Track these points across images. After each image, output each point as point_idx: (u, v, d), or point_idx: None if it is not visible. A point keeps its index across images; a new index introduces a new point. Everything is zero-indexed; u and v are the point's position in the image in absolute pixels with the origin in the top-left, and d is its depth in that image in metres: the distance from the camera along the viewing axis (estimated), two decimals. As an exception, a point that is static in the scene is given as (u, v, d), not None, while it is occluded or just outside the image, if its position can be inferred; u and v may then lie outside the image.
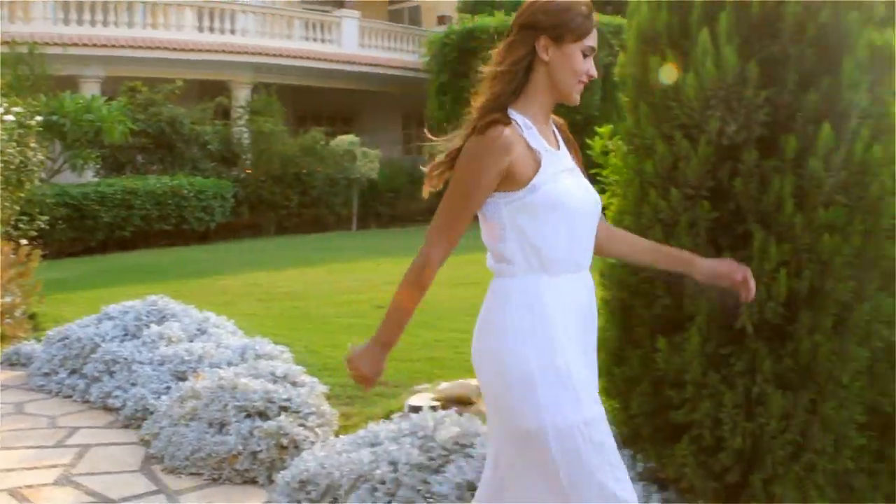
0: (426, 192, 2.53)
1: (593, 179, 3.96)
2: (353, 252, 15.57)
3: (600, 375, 2.89)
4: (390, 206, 22.04)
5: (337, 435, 4.72)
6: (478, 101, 2.41)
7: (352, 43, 24.03)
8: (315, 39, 23.42)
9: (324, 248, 16.39)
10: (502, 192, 2.34)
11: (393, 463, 3.81)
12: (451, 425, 4.08)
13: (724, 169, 3.09)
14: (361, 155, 20.48)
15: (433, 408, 4.74)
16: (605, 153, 3.83)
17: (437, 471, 3.74)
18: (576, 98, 2.44)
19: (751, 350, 3.04)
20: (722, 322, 3.06)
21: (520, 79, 2.40)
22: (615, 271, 3.42)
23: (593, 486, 2.30)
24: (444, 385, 5.53)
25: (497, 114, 2.34)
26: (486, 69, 2.42)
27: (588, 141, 3.76)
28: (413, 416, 4.31)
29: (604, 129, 3.87)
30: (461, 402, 5.29)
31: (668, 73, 3.11)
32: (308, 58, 22.61)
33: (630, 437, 3.50)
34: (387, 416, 4.83)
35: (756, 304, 2.96)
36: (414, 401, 5.25)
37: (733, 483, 3.16)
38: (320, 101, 24.78)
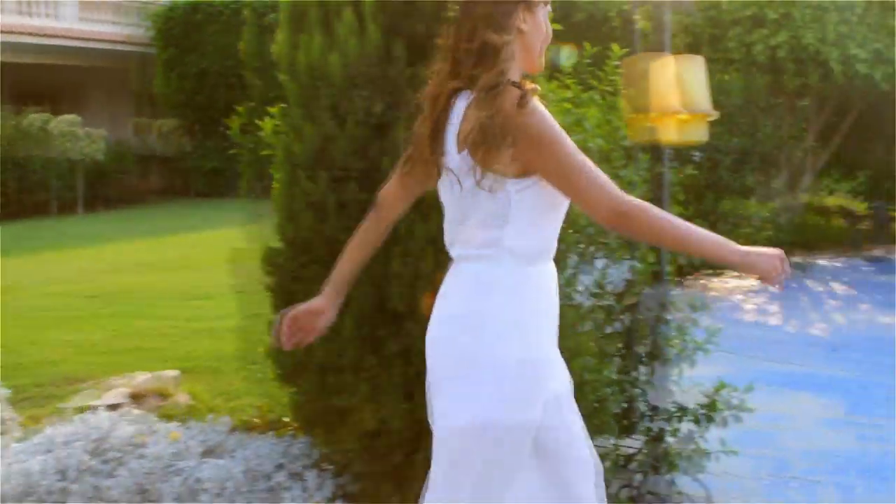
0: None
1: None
2: (74, 239, 14.69)
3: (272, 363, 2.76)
4: (119, 187, 21.02)
5: (19, 442, 4.37)
6: (473, 75, 2.19)
7: (71, 16, 22.58)
8: (29, 14, 21.83)
9: (40, 237, 15.37)
10: (513, 178, 2.17)
11: (62, 471, 3.58)
12: (126, 425, 3.88)
13: (374, 148, 3.05)
14: (84, 136, 19.36)
15: (114, 406, 4.51)
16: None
17: (109, 475, 3.55)
18: (542, 64, 2.34)
19: (406, 331, 3.03)
20: (377, 306, 3.04)
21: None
22: (277, 257, 3.33)
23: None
24: (140, 378, 5.28)
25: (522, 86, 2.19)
26: (462, 42, 2.21)
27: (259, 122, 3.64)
28: (90, 416, 4.07)
29: (274, 109, 3.74)
30: (160, 395, 5.10)
31: (312, 52, 3.04)
32: (21, 33, 21.03)
33: (304, 423, 3.44)
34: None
35: (407, 285, 2.95)
36: (107, 397, 4.99)
37: (399, 464, 3.15)
38: (41, 80, 23.14)
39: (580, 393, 2.56)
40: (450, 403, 2.25)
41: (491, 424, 2.18)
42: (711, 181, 10.16)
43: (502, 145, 2.11)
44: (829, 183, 14.48)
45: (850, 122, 12.44)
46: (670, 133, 3.66)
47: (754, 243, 2.21)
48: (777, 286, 2.17)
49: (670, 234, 2.16)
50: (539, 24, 2.28)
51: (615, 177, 2.60)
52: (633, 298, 3.70)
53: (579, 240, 3.53)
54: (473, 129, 2.15)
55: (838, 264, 11.79)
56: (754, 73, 10.67)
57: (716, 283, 9.73)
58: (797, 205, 12.36)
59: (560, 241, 2.36)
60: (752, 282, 7.99)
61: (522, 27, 2.24)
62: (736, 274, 8.85)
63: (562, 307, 2.39)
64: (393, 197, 2.48)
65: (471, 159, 2.17)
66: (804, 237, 12.05)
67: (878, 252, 12.51)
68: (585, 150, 2.24)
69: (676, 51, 4.07)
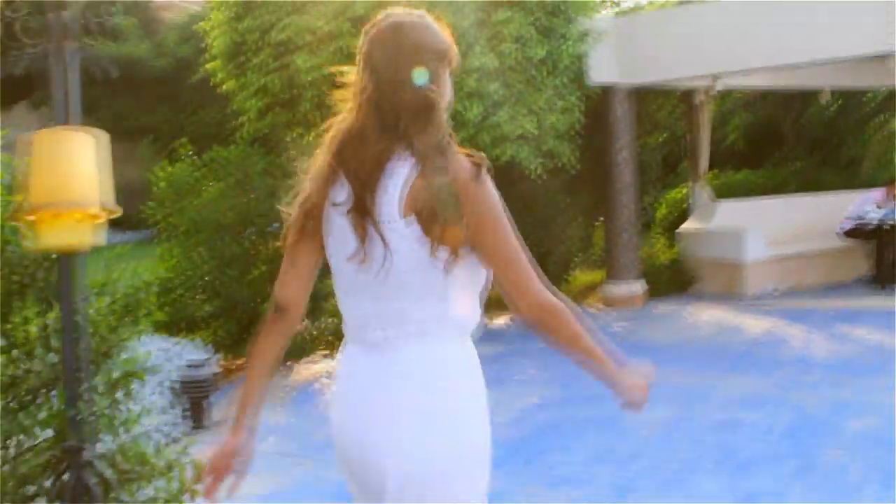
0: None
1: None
2: None
3: None
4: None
5: None
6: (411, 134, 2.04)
7: None
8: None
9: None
10: (468, 248, 2.07)
11: None
12: None
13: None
14: None
15: None
16: None
17: None
18: None
19: None
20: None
21: None
22: None
23: None
24: None
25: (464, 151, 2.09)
26: (428, 94, 2.07)
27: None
28: None
29: None
30: None
31: None
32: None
33: None
34: None
35: None
36: None
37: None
38: None
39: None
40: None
41: None
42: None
43: (459, 218, 2.00)
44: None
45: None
46: (54, 237, 2.99)
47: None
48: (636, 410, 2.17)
49: (582, 343, 2.11)
50: (447, 84, 2.17)
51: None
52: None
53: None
54: (428, 199, 2.00)
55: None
56: None
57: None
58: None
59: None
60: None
61: (445, 84, 2.15)
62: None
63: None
64: (295, 290, 2.21)
65: (419, 229, 2.02)
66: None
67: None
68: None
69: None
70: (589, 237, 12.56)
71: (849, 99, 14.54)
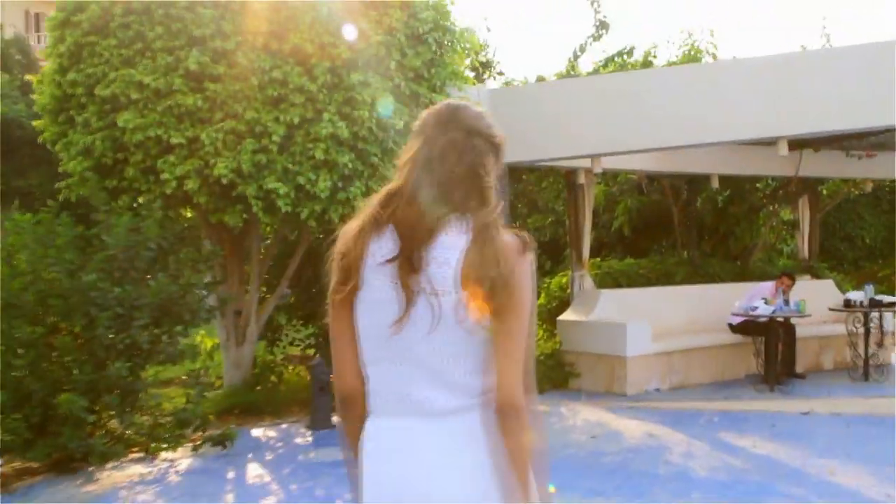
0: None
1: None
2: None
3: None
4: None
5: None
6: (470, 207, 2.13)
7: None
8: None
9: None
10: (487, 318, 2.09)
11: None
12: None
13: None
14: None
15: None
16: None
17: None
18: None
19: None
20: None
21: None
22: None
23: None
24: None
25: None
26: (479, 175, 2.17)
27: None
28: None
29: None
30: None
31: None
32: None
33: None
34: None
35: None
36: None
37: None
38: None
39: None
40: None
41: None
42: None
43: (509, 294, 2.05)
44: (291, 332, 11.40)
45: (296, 267, 10.00)
46: None
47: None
48: None
49: (528, 450, 2.11)
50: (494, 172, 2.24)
51: None
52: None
53: None
54: (480, 272, 2.05)
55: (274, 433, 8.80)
56: (175, 207, 8.79)
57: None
58: (244, 362, 9.76)
59: None
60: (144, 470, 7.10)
61: (492, 170, 2.21)
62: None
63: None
64: (355, 375, 2.20)
65: (465, 300, 2.05)
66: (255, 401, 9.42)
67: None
68: None
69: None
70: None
71: (739, 186, 14.00)
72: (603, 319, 10.73)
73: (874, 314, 11.10)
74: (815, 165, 12.74)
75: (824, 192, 15.19)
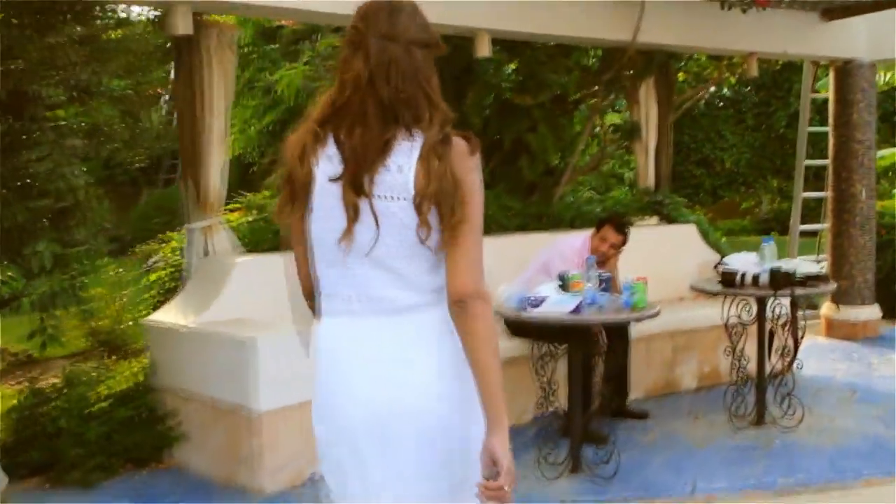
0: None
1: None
2: None
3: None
4: None
5: None
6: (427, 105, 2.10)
7: None
8: None
9: None
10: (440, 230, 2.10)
11: None
12: None
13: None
14: None
15: None
16: None
17: None
18: None
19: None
20: None
21: None
22: None
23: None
24: None
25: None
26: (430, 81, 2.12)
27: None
28: None
29: None
30: None
31: None
32: None
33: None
34: None
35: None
36: None
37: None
38: None
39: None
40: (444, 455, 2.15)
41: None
42: None
43: (461, 204, 2.06)
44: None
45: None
46: None
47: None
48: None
49: (495, 342, 2.09)
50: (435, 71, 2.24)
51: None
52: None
53: None
54: (433, 184, 2.03)
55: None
56: None
57: None
58: None
59: None
60: None
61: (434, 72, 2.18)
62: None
63: None
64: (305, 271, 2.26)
65: (415, 213, 2.04)
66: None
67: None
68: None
69: None
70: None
71: (536, 61, 8.06)
72: (224, 324, 4.97)
73: (780, 300, 5.66)
74: (666, 26, 7.13)
75: (680, 77, 9.66)
